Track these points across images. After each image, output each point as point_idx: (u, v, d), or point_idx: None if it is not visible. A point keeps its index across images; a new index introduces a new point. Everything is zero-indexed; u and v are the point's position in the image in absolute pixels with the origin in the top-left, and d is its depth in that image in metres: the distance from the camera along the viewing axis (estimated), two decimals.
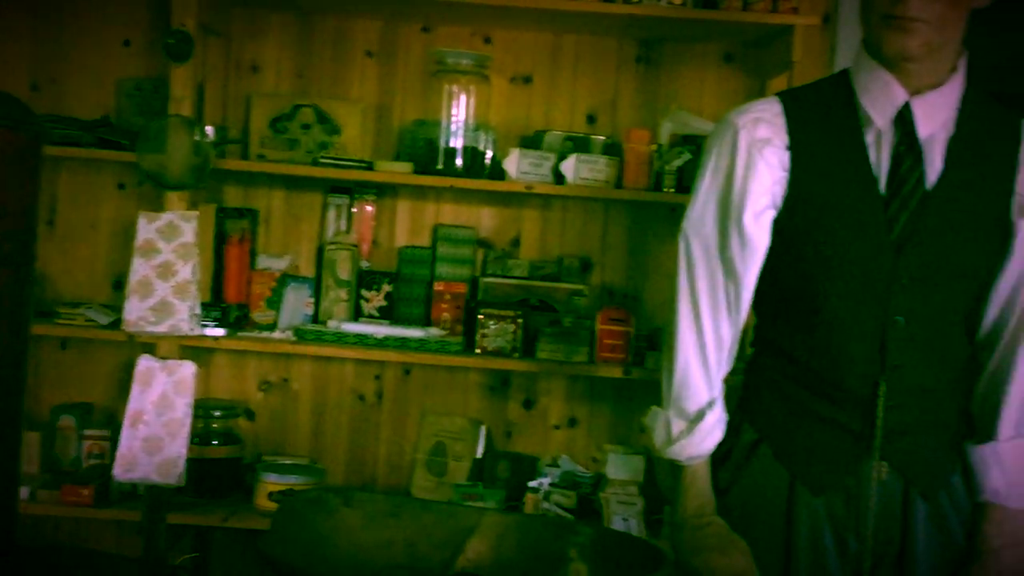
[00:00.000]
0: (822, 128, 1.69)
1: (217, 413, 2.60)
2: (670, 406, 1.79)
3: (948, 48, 1.62)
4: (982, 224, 1.67)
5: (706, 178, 1.75)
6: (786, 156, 1.68)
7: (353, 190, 2.72)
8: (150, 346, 2.44)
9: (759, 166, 1.69)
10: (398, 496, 2.65)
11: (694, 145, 2.55)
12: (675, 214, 2.69)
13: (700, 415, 1.76)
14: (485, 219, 2.77)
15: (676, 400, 1.78)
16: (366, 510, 1.42)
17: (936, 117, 1.64)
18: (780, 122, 1.70)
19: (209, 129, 2.50)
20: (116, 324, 2.49)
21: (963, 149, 1.66)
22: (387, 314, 2.68)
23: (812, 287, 1.69)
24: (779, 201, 1.70)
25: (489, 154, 2.59)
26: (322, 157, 2.58)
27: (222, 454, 2.58)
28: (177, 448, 2.34)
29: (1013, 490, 1.71)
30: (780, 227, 1.71)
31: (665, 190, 2.50)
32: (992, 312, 1.73)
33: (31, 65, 2.75)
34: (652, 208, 2.72)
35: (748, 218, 1.70)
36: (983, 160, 1.67)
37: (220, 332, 2.50)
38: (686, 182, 2.50)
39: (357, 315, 2.68)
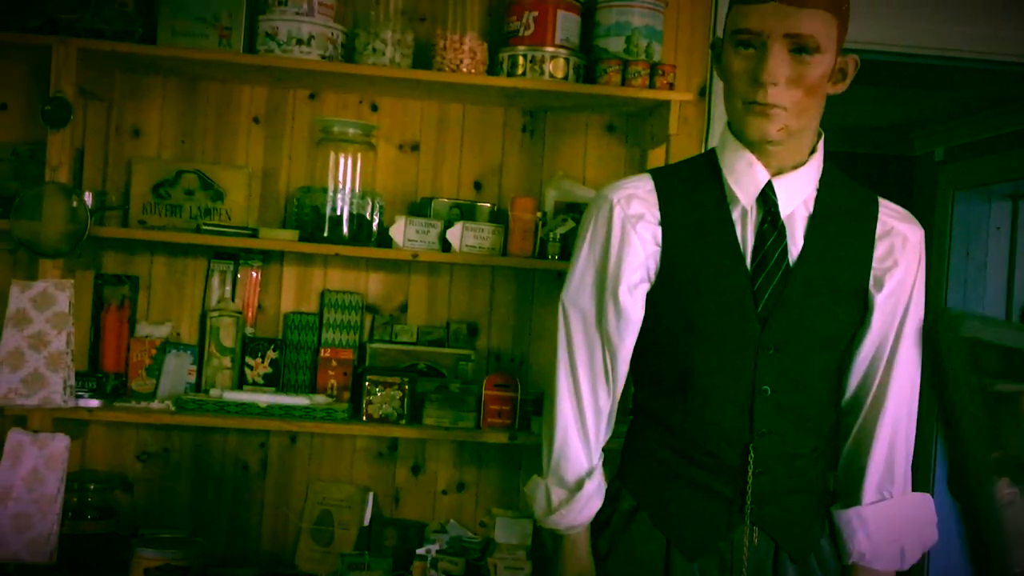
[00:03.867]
0: (692, 205, 1.76)
1: (92, 486, 2.52)
2: (550, 475, 1.82)
3: (807, 131, 1.71)
4: (842, 296, 1.76)
5: (583, 252, 1.80)
6: (658, 231, 1.75)
7: (238, 256, 2.69)
8: (21, 419, 2.35)
9: (633, 241, 1.75)
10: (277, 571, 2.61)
11: (577, 213, 2.61)
12: (560, 280, 2.73)
13: (579, 484, 1.80)
14: (372, 285, 2.77)
15: (556, 469, 1.81)
16: None
17: (797, 195, 1.73)
18: (652, 199, 1.76)
19: (88, 195, 2.46)
20: None
21: (822, 225, 1.75)
22: (272, 381, 2.65)
23: (683, 357, 1.75)
24: (652, 274, 1.76)
25: (376, 221, 2.60)
26: (205, 224, 2.55)
27: (97, 529, 2.49)
28: (48, 525, 2.25)
29: (878, 552, 1.78)
30: (653, 300, 1.77)
31: (550, 257, 2.55)
32: (854, 380, 1.82)
33: None
34: (537, 274, 2.76)
35: (623, 291, 1.75)
36: (842, 236, 1.76)
37: (95, 403, 2.43)
38: (570, 249, 2.55)
39: (241, 383, 2.64)
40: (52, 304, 2.31)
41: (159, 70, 2.65)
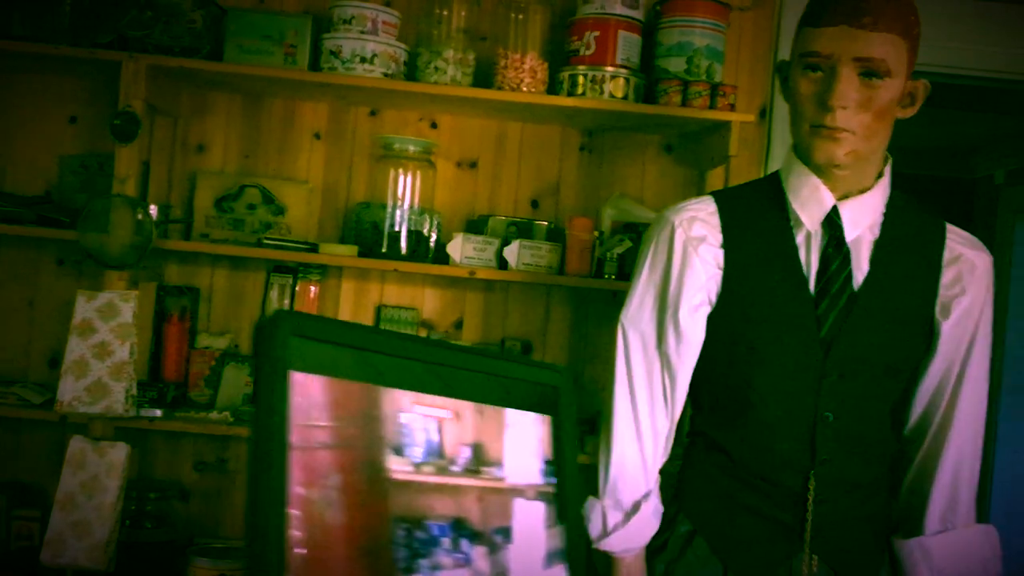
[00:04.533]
0: (755, 228, 1.75)
1: (151, 495, 2.56)
2: (606, 496, 1.81)
3: (874, 156, 1.69)
4: (907, 323, 1.73)
5: (643, 273, 1.80)
6: (720, 254, 1.74)
7: (297, 270, 2.72)
8: (83, 426, 2.40)
9: (695, 263, 1.74)
10: None
11: (635, 233, 2.60)
12: (616, 300, 2.73)
13: (636, 507, 1.78)
14: (428, 300, 2.79)
15: (612, 491, 1.80)
16: None
17: (862, 220, 1.71)
18: (715, 221, 1.75)
19: (153, 208, 2.50)
20: (50, 403, 2.45)
21: (888, 251, 1.73)
22: None
23: (744, 382, 1.73)
24: (713, 297, 1.75)
25: (433, 237, 2.62)
26: (266, 238, 2.59)
27: (154, 537, 2.52)
28: (106, 532, 2.29)
29: None
30: (714, 323, 1.76)
31: (606, 276, 2.54)
32: (918, 408, 1.78)
33: None
34: (593, 293, 2.76)
35: (684, 313, 1.74)
36: (907, 261, 1.74)
37: (157, 413, 2.47)
38: (627, 269, 2.55)
39: None
40: (116, 315, 2.35)
41: (225, 86, 2.70)
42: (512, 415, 1.20)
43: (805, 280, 1.70)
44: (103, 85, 2.71)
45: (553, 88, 2.58)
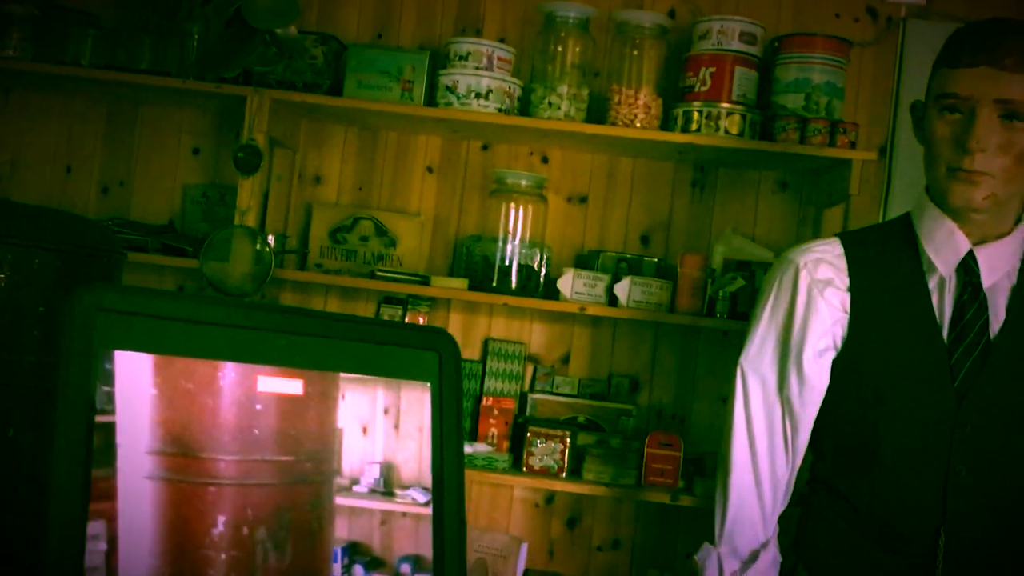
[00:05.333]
0: (884, 272, 1.70)
1: None
2: (723, 544, 1.77)
3: (1013, 200, 1.63)
4: None
5: (765, 315, 1.76)
6: (847, 298, 1.69)
7: (407, 301, 2.75)
8: None
9: (820, 306, 1.69)
10: None
11: (747, 271, 2.56)
12: (727, 339, 2.69)
13: (754, 556, 1.74)
14: (536, 334, 2.78)
15: (729, 538, 1.76)
16: None
17: (1000, 266, 1.65)
18: (841, 263, 1.71)
19: (270, 238, 2.56)
20: None
21: None
22: None
23: (871, 431, 1.68)
24: (839, 342, 1.70)
25: (543, 272, 2.62)
26: (379, 270, 2.62)
27: None
28: None
29: None
30: (839, 368, 1.71)
31: (718, 315, 2.50)
32: None
33: (103, 168, 2.85)
34: (703, 332, 2.72)
35: (808, 358, 1.70)
36: None
37: None
38: (739, 308, 2.50)
39: None
40: None
41: (342, 120, 2.75)
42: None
43: (938, 328, 1.64)
44: (225, 118, 2.80)
45: (667, 124, 2.56)
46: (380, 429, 1.03)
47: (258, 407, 0.94)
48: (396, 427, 1.04)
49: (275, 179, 2.67)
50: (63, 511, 0.76)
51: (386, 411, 1.05)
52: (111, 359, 0.83)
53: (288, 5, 2.33)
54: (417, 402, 1.07)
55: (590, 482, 2.50)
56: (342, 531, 0.99)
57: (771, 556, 1.75)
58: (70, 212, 1.30)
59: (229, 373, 0.93)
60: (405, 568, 1.03)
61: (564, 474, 2.51)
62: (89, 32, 2.63)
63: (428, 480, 1.04)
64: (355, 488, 1.01)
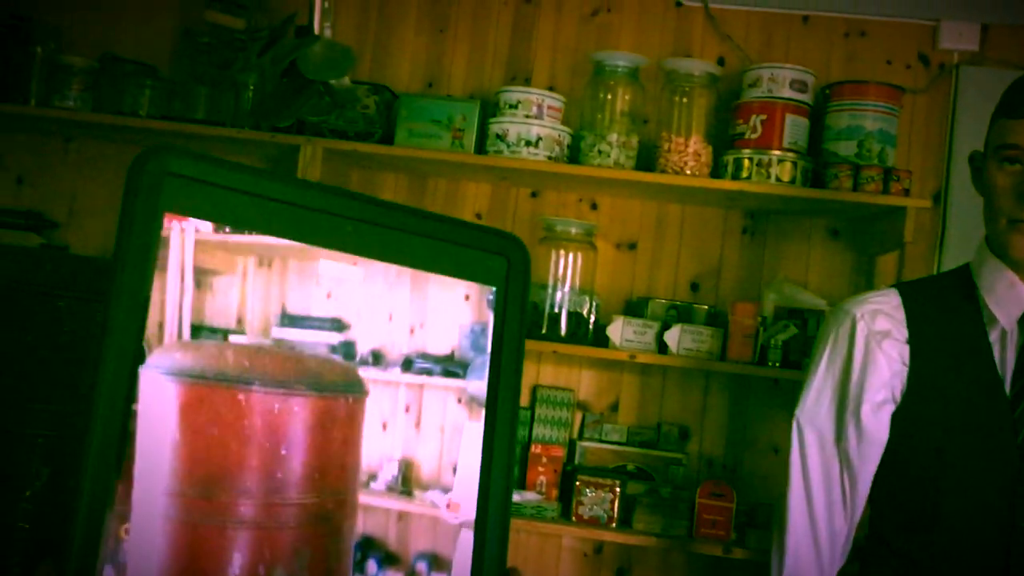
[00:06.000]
0: (944, 324, 1.67)
1: None
2: None
3: None
4: None
5: (821, 367, 1.74)
6: (906, 350, 1.66)
7: None
8: None
9: (878, 358, 1.67)
10: None
11: (799, 319, 2.53)
12: (778, 388, 2.66)
13: None
14: (584, 381, 2.77)
15: None
16: None
17: None
18: (899, 315, 1.69)
19: None
20: None
21: None
22: None
23: (931, 487, 1.64)
24: (898, 395, 1.67)
25: (592, 319, 2.61)
26: None
27: None
28: None
29: None
30: (898, 423, 1.68)
31: (770, 364, 2.47)
32: None
33: None
34: (754, 381, 2.68)
35: (866, 411, 1.67)
36: None
37: None
38: (791, 357, 2.47)
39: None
40: None
41: (393, 167, 2.78)
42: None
43: (1000, 381, 1.61)
44: (278, 167, 2.83)
45: (717, 171, 2.56)
46: (400, 425, 1.01)
47: (283, 451, 0.93)
48: (417, 425, 1.01)
49: None
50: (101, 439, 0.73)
51: (407, 408, 1.02)
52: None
53: (343, 56, 2.37)
54: (439, 401, 1.06)
55: (641, 532, 2.46)
56: (356, 525, 0.97)
57: None
58: None
59: (255, 403, 0.90)
60: (421, 566, 0.99)
61: (614, 524, 2.48)
62: (146, 83, 2.69)
63: (448, 481, 1.00)
64: (372, 485, 0.97)
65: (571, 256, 2.61)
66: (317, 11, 2.38)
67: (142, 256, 0.74)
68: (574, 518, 2.49)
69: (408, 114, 2.58)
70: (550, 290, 2.59)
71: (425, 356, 1.02)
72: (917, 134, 2.69)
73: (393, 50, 2.87)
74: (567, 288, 2.59)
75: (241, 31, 2.61)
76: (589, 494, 2.49)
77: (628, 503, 2.52)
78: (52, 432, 1.08)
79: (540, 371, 2.78)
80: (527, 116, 2.55)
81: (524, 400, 2.76)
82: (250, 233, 0.86)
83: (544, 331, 2.56)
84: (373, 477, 0.97)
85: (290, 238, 0.87)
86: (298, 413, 0.92)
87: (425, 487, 1.01)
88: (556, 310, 2.57)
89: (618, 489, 2.49)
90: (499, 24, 2.85)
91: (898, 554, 1.69)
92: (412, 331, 1.01)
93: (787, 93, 2.53)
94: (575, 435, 2.73)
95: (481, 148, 2.59)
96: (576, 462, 2.66)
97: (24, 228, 2.76)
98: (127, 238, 0.73)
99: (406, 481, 1.00)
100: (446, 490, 1.00)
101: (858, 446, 1.68)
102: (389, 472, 0.98)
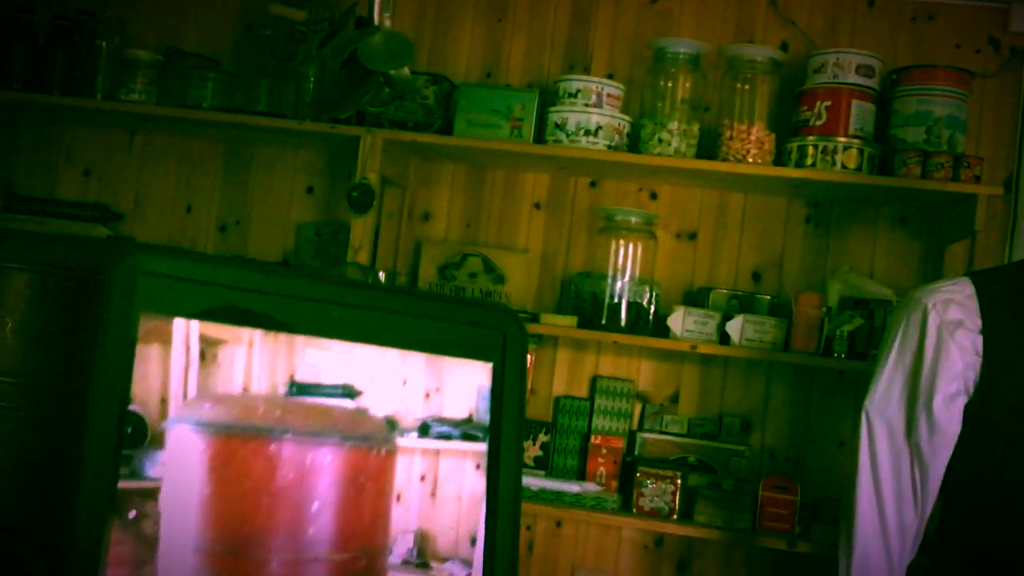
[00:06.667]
0: (1019, 313, 1.62)
1: None
2: None
3: None
4: None
5: (891, 357, 1.70)
6: (979, 340, 1.62)
7: None
8: None
9: (951, 349, 1.63)
10: None
11: (865, 309, 2.48)
12: (843, 379, 2.61)
13: None
14: (644, 372, 2.74)
15: None
16: None
17: None
18: (972, 304, 1.64)
19: (381, 275, 2.59)
20: None
21: None
22: (542, 464, 2.66)
23: (1006, 480, 1.60)
24: (971, 387, 1.63)
25: (652, 309, 2.59)
26: None
27: None
28: None
29: None
30: (971, 414, 1.64)
31: (835, 355, 2.43)
32: None
33: (220, 208, 2.93)
34: (818, 372, 2.64)
35: (938, 403, 1.63)
36: None
37: None
38: (857, 348, 2.43)
39: None
40: None
41: (451, 158, 2.78)
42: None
43: None
44: (338, 157, 2.85)
45: (780, 159, 2.52)
46: (415, 496, 0.97)
47: (315, 504, 0.88)
48: (433, 495, 0.98)
49: (386, 216, 2.71)
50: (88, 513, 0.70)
51: (422, 477, 0.98)
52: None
53: (402, 47, 2.37)
54: (456, 469, 1.02)
55: (703, 525, 2.44)
56: None
57: None
58: (201, 253, 1.33)
59: (287, 454, 0.86)
60: None
61: (675, 516, 2.46)
62: (209, 76, 2.72)
63: (467, 552, 0.97)
64: (389, 558, 0.94)
65: (631, 246, 2.58)
66: (377, 2, 2.39)
67: (118, 359, 0.71)
68: (634, 510, 2.47)
69: (467, 104, 2.57)
70: (609, 280, 2.57)
71: (442, 420, 0.97)
72: (987, 119, 2.62)
73: (451, 40, 2.86)
74: (627, 278, 2.57)
75: (302, 23, 2.62)
76: (650, 485, 2.47)
77: (689, 495, 2.49)
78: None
79: (599, 362, 2.76)
80: (586, 105, 2.53)
81: (583, 391, 2.75)
82: (234, 327, 0.81)
83: (604, 322, 2.54)
84: (388, 550, 0.93)
85: (276, 330, 0.83)
86: (330, 464, 0.88)
87: (443, 559, 0.97)
88: (616, 300, 2.55)
89: (679, 481, 2.46)
90: (557, 12, 2.83)
91: (969, 548, 1.65)
92: (428, 396, 0.97)
93: (853, 78, 2.47)
94: (635, 426, 2.71)
95: (540, 137, 2.58)
96: (636, 453, 2.64)
97: (91, 220, 2.81)
98: (103, 342, 0.71)
99: (422, 553, 0.96)
100: (465, 562, 0.96)
101: (929, 439, 1.64)
102: (404, 544, 0.95)
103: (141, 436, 0.79)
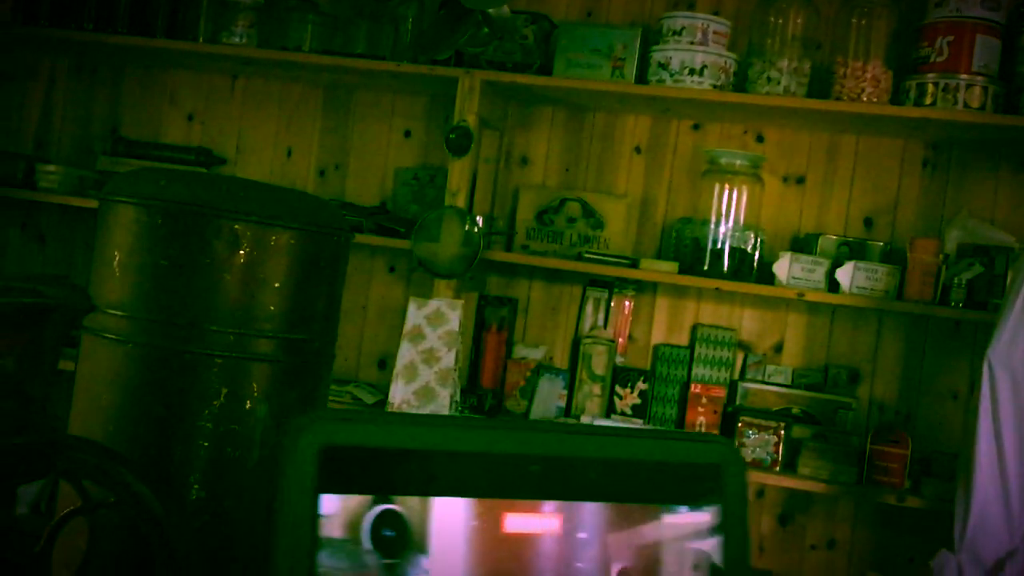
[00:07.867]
0: None
1: None
2: (963, 551, 1.64)
3: None
4: None
5: (1017, 306, 1.61)
6: None
7: (613, 284, 2.70)
8: None
9: None
10: None
11: (986, 257, 2.36)
12: (959, 330, 2.50)
13: (999, 565, 1.60)
14: (746, 321, 2.67)
15: (971, 545, 1.63)
16: None
17: None
18: None
19: (479, 219, 2.56)
20: (381, 404, 2.57)
21: None
22: (640, 413, 2.62)
23: None
24: None
25: (756, 256, 2.50)
26: (587, 252, 2.58)
27: None
28: None
29: None
30: None
31: (952, 304, 2.31)
32: None
33: (320, 152, 2.94)
34: (932, 322, 2.53)
35: None
36: None
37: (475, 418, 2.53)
38: (976, 297, 2.31)
39: (609, 411, 2.64)
40: (444, 322, 2.43)
41: (550, 100, 2.72)
42: None
43: None
44: (436, 101, 2.82)
45: (897, 98, 2.39)
46: None
47: None
48: None
49: (483, 161, 2.68)
50: None
51: None
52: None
53: None
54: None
55: (807, 477, 2.37)
56: None
57: (1019, 567, 1.59)
58: (303, 192, 1.32)
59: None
60: None
61: (778, 468, 2.40)
62: (309, 18, 2.72)
63: None
64: None
65: (735, 190, 2.50)
66: None
67: (298, 537, 0.63)
68: None
69: (567, 43, 2.51)
70: (712, 226, 2.49)
71: None
72: None
73: None
74: (730, 224, 2.49)
75: None
76: (752, 436, 2.41)
77: (793, 447, 2.43)
78: (229, 353, 1.10)
79: (700, 309, 2.69)
80: (691, 43, 2.44)
81: (683, 339, 2.69)
82: (424, 497, 0.69)
83: (706, 267, 2.47)
84: None
85: (470, 496, 0.71)
86: None
87: None
88: (719, 246, 2.48)
89: (783, 432, 2.40)
90: None
91: None
92: None
93: (977, 12, 2.33)
94: (736, 376, 2.64)
95: (642, 78, 2.50)
96: (737, 403, 2.58)
97: (195, 164, 2.85)
98: (281, 520, 0.63)
99: None
100: None
101: None
102: None
103: None
